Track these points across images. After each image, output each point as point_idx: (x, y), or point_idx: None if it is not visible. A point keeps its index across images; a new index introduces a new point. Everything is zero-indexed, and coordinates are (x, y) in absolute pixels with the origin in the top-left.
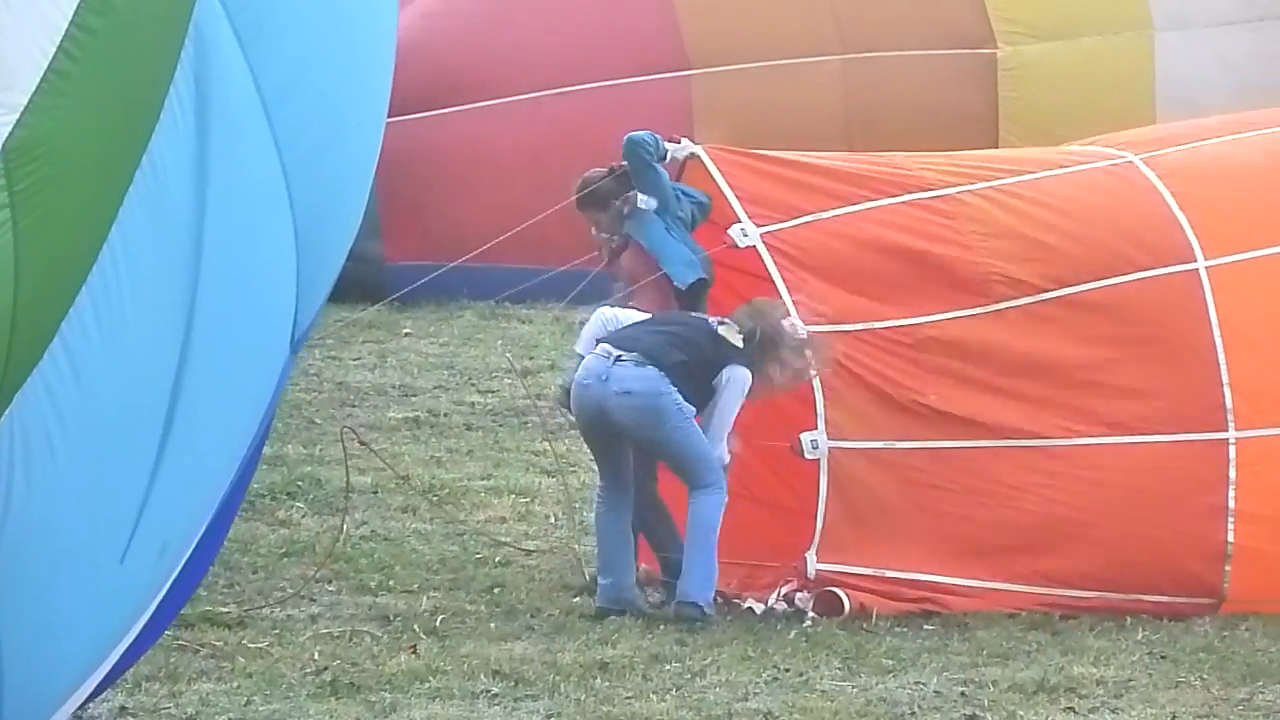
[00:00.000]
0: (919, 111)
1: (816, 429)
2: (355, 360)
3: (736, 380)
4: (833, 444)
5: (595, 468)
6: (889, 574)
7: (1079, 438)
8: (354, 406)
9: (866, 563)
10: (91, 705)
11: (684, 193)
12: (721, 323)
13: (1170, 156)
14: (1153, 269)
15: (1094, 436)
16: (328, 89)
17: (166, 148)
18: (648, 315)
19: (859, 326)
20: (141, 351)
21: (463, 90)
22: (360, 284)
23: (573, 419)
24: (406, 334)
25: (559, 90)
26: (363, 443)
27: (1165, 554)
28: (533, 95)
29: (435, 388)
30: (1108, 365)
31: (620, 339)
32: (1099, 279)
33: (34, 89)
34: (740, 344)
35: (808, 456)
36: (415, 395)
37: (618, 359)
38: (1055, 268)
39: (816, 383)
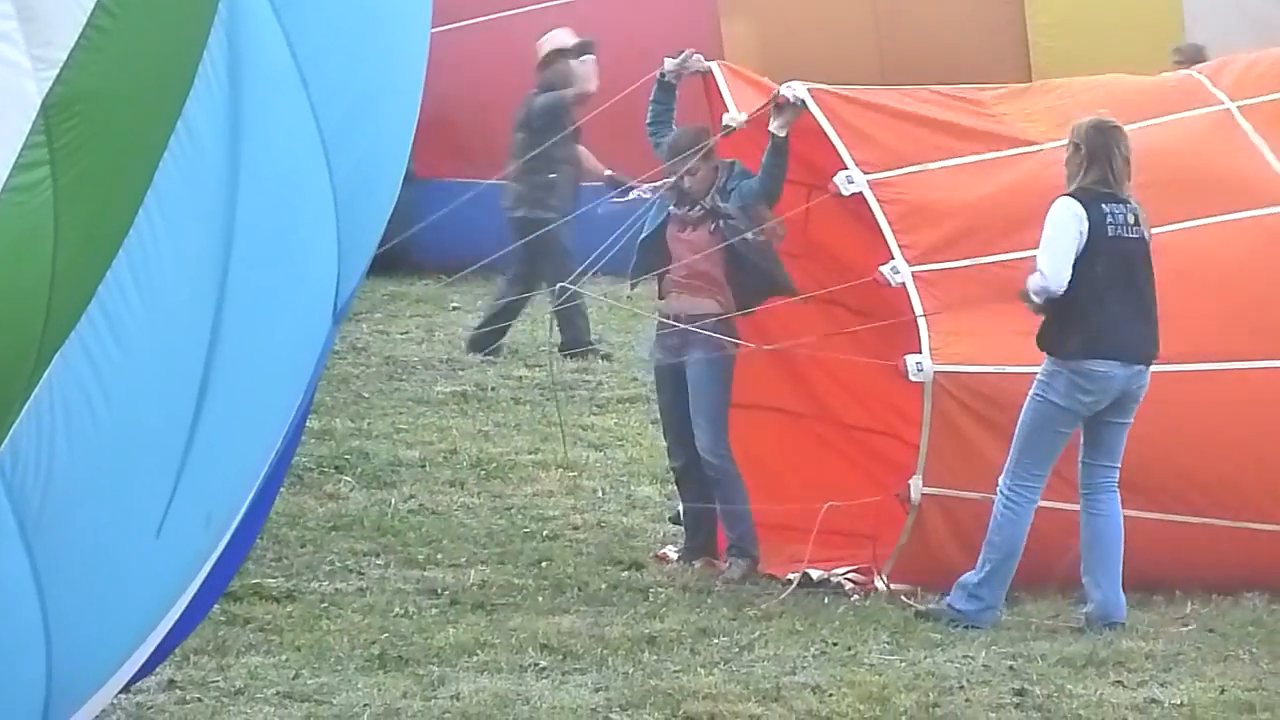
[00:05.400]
0: (950, 30)
1: (920, 352)
2: (403, 334)
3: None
4: (938, 368)
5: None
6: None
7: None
8: (401, 380)
9: (972, 486)
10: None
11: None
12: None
13: (1267, 106)
14: (1251, 210)
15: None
16: (364, 52)
17: (201, 111)
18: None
19: (966, 263)
20: (180, 315)
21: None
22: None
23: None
24: (454, 308)
25: None
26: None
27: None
28: (560, 2)
29: (483, 361)
30: (1214, 300)
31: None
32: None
33: (73, 45)
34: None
35: (912, 379)
36: (463, 369)
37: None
38: (1154, 211)
39: (919, 306)
